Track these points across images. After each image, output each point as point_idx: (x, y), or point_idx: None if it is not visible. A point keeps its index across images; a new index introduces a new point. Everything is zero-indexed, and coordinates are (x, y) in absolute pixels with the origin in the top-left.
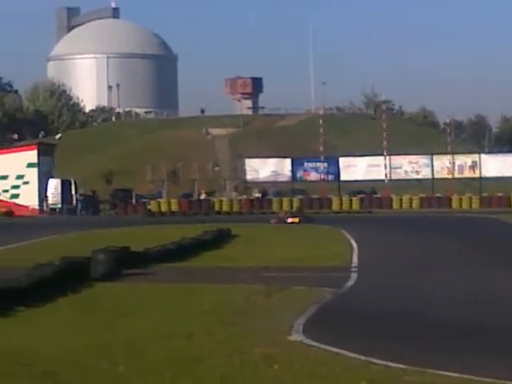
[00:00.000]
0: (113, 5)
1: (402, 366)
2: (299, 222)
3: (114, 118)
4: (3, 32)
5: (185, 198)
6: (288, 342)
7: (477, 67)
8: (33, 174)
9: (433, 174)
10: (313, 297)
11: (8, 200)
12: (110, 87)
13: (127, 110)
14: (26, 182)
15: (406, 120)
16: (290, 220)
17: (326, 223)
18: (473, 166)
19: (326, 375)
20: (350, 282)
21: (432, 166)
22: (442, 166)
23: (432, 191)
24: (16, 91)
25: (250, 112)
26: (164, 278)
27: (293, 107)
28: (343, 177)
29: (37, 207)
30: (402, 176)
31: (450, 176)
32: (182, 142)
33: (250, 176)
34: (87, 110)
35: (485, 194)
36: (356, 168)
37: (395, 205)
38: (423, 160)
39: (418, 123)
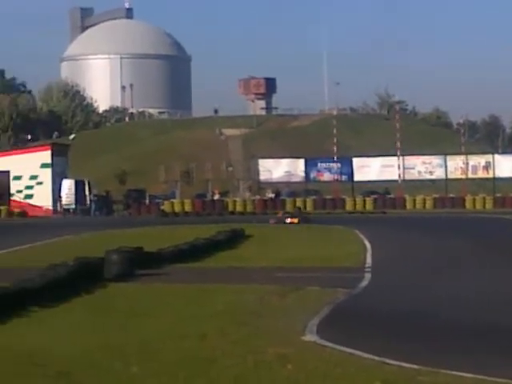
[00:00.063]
0: (126, 5)
1: (415, 366)
2: (298, 222)
3: (127, 119)
4: (17, 32)
5: (198, 198)
6: (302, 342)
7: (490, 67)
8: (47, 175)
9: (446, 175)
10: (326, 297)
11: (22, 200)
12: (123, 87)
13: (141, 110)
14: (40, 183)
15: (420, 120)
16: (288, 220)
17: (340, 223)
18: (486, 167)
19: (340, 375)
20: (364, 283)
21: (445, 167)
22: (455, 166)
23: (445, 192)
24: (30, 92)
25: (263, 112)
26: (177, 279)
27: (306, 108)
28: (357, 177)
29: (50, 208)
30: (416, 176)
31: (463, 176)
32: (196, 143)
33: (263, 176)
34: (101, 111)
35: (498, 195)
36: (369, 168)
37: (409, 205)
38: (437, 160)
39: (432, 124)
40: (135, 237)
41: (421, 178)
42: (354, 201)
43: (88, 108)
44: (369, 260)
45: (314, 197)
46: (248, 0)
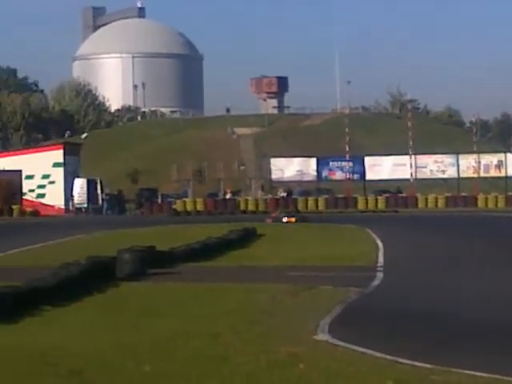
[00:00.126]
0: (138, 4)
1: (428, 365)
2: (296, 221)
3: (139, 118)
4: (29, 32)
5: (210, 197)
6: (314, 341)
7: (502, 66)
8: (59, 174)
9: (458, 174)
10: (339, 296)
11: (34, 199)
12: (135, 87)
13: (153, 109)
14: (52, 182)
15: (432, 119)
16: (285, 220)
17: (352, 222)
18: (498, 165)
19: (352, 375)
20: (376, 282)
21: (458, 166)
22: (467, 165)
23: (458, 190)
24: (42, 91)
25: (275, 111)
26: (189, 278)
27: (318, 106)
28: (369, 176)
29: (63, 207)
30: (428, 175)
31: (475, 175)
32: (208, 142)
33: (275, 175)
34: (113, 110)
35: (511, 193)
36: (381, 167)
37: (421, 204)
38: (449, 159)
39: (444, 122)
40: (147, 236)
41: (433, 176)
42: (366, 200)
43: (100, 107)
44: (381, 259)
45: (326, 196)
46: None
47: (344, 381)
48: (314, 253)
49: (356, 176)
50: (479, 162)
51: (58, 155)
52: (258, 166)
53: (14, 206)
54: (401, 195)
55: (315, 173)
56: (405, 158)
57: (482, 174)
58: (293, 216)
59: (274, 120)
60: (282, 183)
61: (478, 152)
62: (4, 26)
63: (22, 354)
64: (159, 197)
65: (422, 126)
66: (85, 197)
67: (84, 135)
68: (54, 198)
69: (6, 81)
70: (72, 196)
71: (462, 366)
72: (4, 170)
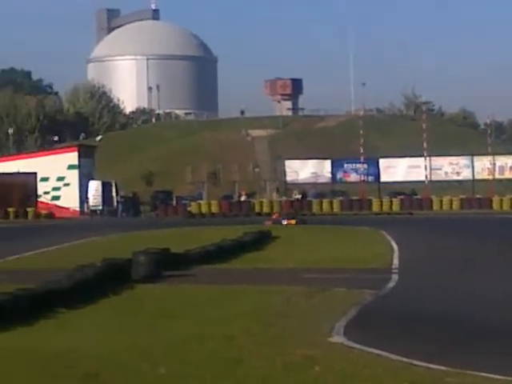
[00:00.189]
0: (153, 6)
1: (443, 367)
2: (296, 223)
3: (154, 120)
4: (44, 34)
5: (225, 199)
6: (329, 343)
7: None
8: (73, 176)
9: (473, 175)
10: (353, 298)
11: (49, 202)
12: (149, 89)
13: (167, 111)
14: (67, 184)
15: (446, 121)
16: (285, 222)
17: (366, 224)
18: None
19: (368, 377)
20: (391, 284)
21: (472, 167)
22: (482, 167)
23: (472, 192)
24: (56, 93)
25: (289, 113)
26: (204, 280)
27: (332, 108)
28: (383, 178)
29: (77, 209)
30: (443, 177)
31: (490, 177)
32: (222, 144)
33: (289, 177)
34: (127, 112)
35: None
36: (396, 169)
37: (435, 206)
38: (463, 161)
39: (458, 124)
40: (162, 238)
41: (448, 178)
42: (381, 202)
43: (114, 109)
44: (396, 261)
45: (341, 198)
46: (274, 2)
47: (359, 383)
48: (329, 255)
49: (371, 178)
50: (494, 164)
51: (72, 157)
52: (273, 168)
53: (29, 209)
54: (415, 197)
55: (330, 175)
56: (419, 160)
57: (497, 176)
58: (293, 218)
59: (289, 122)
60: (296, 185)
61: (493, 154)
62: (18, 28)
63: (38, 356)
64: (174, 199)
65: (437, 128)
66: (100, 199)
67: (99, 137)
68: (69, 200)
69: (21, 83)
70: (87, 198)
71: (477, 368)
72: (19, 173)
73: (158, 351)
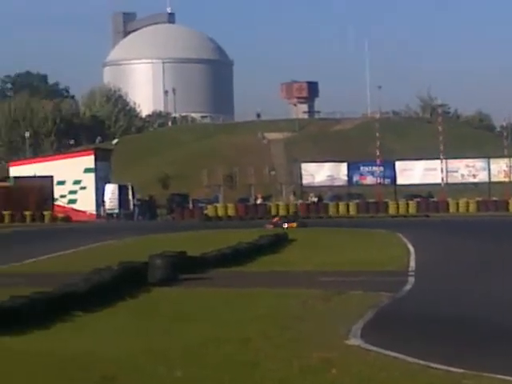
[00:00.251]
0: (168, 10)
1: (460, 370)
2: (297, 226)
3: (170, 123)
4: (60, 38)
5: (241, 202)
6: (346, 346)
7: None
8: (90, 180)
9: (489, 178)
10: (370, 301)
11: (65, 205)
12: (166, 92)
13: (183, 114)
14: (84, 188)
15: (462, 123)
16: (286, 225)
17: (383, 227)
18: None
19: (385, 380)
20: (408, 287)
21: (489, 170)
22: (498, 169)
23: (489, 195)
24: (73, 97)
25: (305, 116)
26: (220, 283)
27: (348, 111)
28: (399, 181)
29: (94, 212)
30: (459, 180)
31: (506, 179)
32: (238, 147)
33: (305, 180)
34: (143, 115)
35: None
36: (412, 172)
37: (452, 209)
38: (480, 163)
39: (474, 126)
40: (178, 241)
41: (464, 181)
42: (397, 204)
43: (131, 113)
44: (412, 264)
45: (357, 200)
46: (290, 4)
47: None
48: (346, 258)
49: (387, 181)
50: (510, 166)
51: (89, 161)
52: (289, 171)
53: (45, 212)
54: (432, 200)
55: (346, 177)
56: (436, 163)
57: None
58: (293, 222)
59: (305, 125)
60: (312, 188)
61: (509, 156)
62: (34, 32)
63: (54, 359)
64: (190, 202)
65: (453, 131)
66: (116, 202)
67: (115, 141)
68: (86, 203)
69: (37, 87)
70: (103, 202)
71: (494, 371)
72: (35, 176)
73: (175, 354)
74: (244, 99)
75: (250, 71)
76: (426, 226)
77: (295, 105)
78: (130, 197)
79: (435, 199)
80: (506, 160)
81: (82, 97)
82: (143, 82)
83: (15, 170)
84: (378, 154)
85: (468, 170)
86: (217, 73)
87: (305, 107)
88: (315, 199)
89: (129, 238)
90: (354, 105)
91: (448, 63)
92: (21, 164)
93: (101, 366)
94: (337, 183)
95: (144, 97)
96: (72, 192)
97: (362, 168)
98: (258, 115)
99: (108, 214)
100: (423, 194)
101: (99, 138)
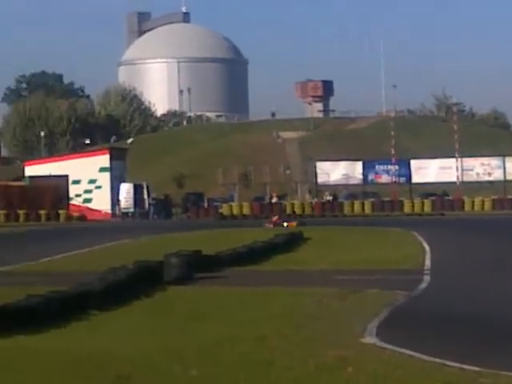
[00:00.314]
0: (183, 9)
1: (476, 368)
2: (297, 225)
3: (185, 122)
4: (75, 38)
5: (256, 201)
6: (361, 344)
7: None
8: (105, 179)
9: (505, 176)
10: (386, 299)
11: (81, 204)
12: (181, 91)
13: (198, 114)
14: (99, 187)
15: (477, 122)
16: (286, 224)
17: (398, 226)
18: None
19: (400, 378)
20: (423, 285)
21: (504, 168)
22: None
23: (504, 193)
24: (88, 96)
25: (320, 115)
26: (235, 282)
27: (363, 110)
28: (415, 179)
29: (109, 211)
30: (474, 178)
31: None
32: (253, 146)
33: (320, 179)
34: (158, 115)
35: None
36: (427, 170)
37: (467, 207)
38: (495, 162)
39: (490, 125)
40: (194, 240)
41: (479, 179)
42: (412, 203)
43: (146, 112)
44: (427, 262)
45: (372, 199)
46: (304, 3)
47: None
48: (361, 256)
49: (402, 179)
50: None
51: (104, 160)
52: (304, 169)
53: (60, 211)
54: (447, 198)
55: (361, 176)
56: (451, 161)
57: None
58: (293, 221)
59: (320, 124)
60: (327, 187)
61: None
62: (50, 31)
63: (70, 358)
64: (205, 201)
65: (468, 129)
66: (131, 201)
67: (130, 140)
68: (101, 202)
69: (53, 86)
70: (118, 201)
71: (510, 369)
72: (51, 175)
73: (190, 353)
74: (259, 98)
75: (264, 70)
76: (441, 224)
77: (310, 104)
78: (145, 196)
79: (450, 197)
80: None
81: (97, 96)
82: (158, 81)
83: (30, 170)
84: (393, 152)
85: (483, 168)
86: (232, 72)
87: (320, 106)
88: (330, 198)
89: (144, 236)
90: (368, 104)
91: (463, 62)
92: (36, 163)
93: (116, 365)
94: (352, 182)
95: (159, 96)
96: (87, 191)
97: (377, 167)
98: (273, 114)
99: (123, 213)
100: (438, 193)
101: (114, 137)
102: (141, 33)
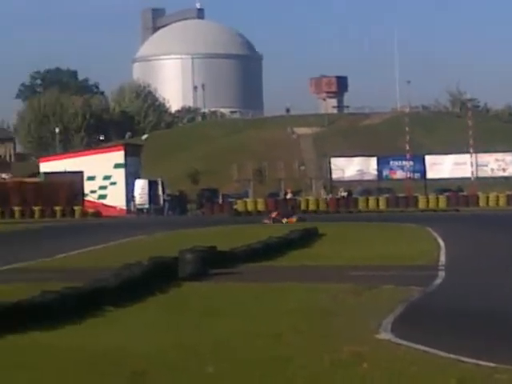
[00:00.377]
0: (197, 5)
1: (492, 364)
2: (297, 221)
3: (199, 118)
4: (90, 34)
5: (271, 197)
6: (376, 340)
7: None
8: (120, 175)
9: None
10: (401, 295)
11: (96, 200)
12: (195, 87)
13: (213, 110)
14: (114, 183)
15: (492, 117)
16: (285, 220)
17: (413, 221)
18: None
19: (415, 374)
20: (438, 281)
21: None
22: None
23: None
24: (102, 93)
25: (334, 111)
26: (250, 278)
27: (378, 106)
28: (429, 175)
29: (124, 208)
30: (489, 174)
31: None
32: (268, 142)
33: (335, 175)
34: (173, 111)
35: None
36: (442, 166)
37: (482, 203)
38: (509, 157)
39: (504, 120)
40: (208, 236)
41: (494, 175)
42: (427, 199)
43: (160, 108)
44: (442, 258)
45: (387, 195)
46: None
47: (407, 380)
48: (376, 252)
49: (417, 175)
50: None
51: (119, 156)
52: (319, 165)
53: (75, 207)
54: (462, 194)
55: (376, 172)
56: (465, 157)
57: None
58: (292, 216)
59: (334, 120)
60: (342, 183)
61: None
62: (64, 28)
63: (85, 354)
64: (220, 197)
65: (482, 125)
66: (146, 198)
67: (144, 136)
68: (116, 198)
69: (67, 83)
70: (133, 197)
71: None
72: (66, 172)
73: (205, 349)
74: (273, 94)
75: (279, 66)
76: (455, 220)
77: (324, 99)
78: (160, 192)
79: (465, 193)
80: None
81: (112, 93)
82: (172, 77)
83: (45, 166)
84: (407, 148)
85: (498, 164)
86: (246, 68)
87: (334, 102)
88: (345, 194)
89: (159, 233)
90: (383, 99)
91: (477, 57)
92: (51, 160)
93: (131, 361)
94: (366, 178)
95: (173, 92)
96: (102, 187)
97: (391, 162)
98: (288, 110)
99: (138, 210)
100: (453, 188)
101: (129, 133)
102: (155, 29)
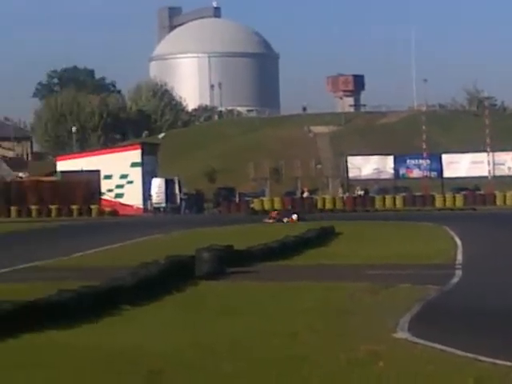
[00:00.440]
0: (214, 4)
1: (509, 363)
2: (298, 220)
3: (216, 117)
4: (106, 33)
5: (288, 195)
6: (393, 339)
7: None
8: (137, 174)
9: None
10: (417, 294)
11: (112, 199)
12: (212, 86)
13: (229, 108)
14: (130, 182)
15: (509, 116)
16: (286, 219)
17: (430, 220)
18: None
19: (432, 373)
20: (455, 280)
21: None
22: None
23: None
24: (119, 91)
25: (351, 109)
26: (267, 277)
27: (394, 104)
28: (446, 174)
29: (141, 206)
30: (506, 172)
31: None
32: (284, 140)
33: (352, 174)
34: (189, 109)
35: None
36: (459, 165)
37: (499, 201)
38: None
39: None
40: (225, 235)
41: (511, 174)
42: (444, 197)
43: (177, 107)
44: (459, 257)
45: (404, 194)
46: None
47: (424, 379)
48: (392, 251)
49: (433, 174)
50: None
51: (135, 155)
52: (335, 164)
53: (92, 206)
54: (479, 193)
55: (392, 171)
56: (482, 156)
57: None
58: (293, 215)
59: (351, 118)
60: (359, 181)
61: None
62: (81, 27)
63: (102, 353)
64: (237, 196)
65: (499, 123)
66: (163, 196)
67: (161, 135)
68: (133, 197)
69: (84, 81)
70: (150, 196)
71: None
72: (83, 171)
73: (222, 348)
74: (290, 93)
75: (295, 64)
76: (472, 218)
77: (341, 98)
78: (177, 191)
79: (482, 192)
80: None
81: (129, 91)
82: (189, 76)
83: (62, 165)
84: (424, 147)
85: None
86: (262, 66)
87: (351, 100)
88: (362, 192)
89: (176, 231)
90: (399, 98)
91: (494, 56)
92: (68, 158)
93: (148, 360)
94: (383, 176)
95: (190, 91)
96: (119, 186)
97: (408, 161)
98: (304, 109)
99: (155, 208)
100: (470, 187)
101: (146, 132)
102: (172, 28)
